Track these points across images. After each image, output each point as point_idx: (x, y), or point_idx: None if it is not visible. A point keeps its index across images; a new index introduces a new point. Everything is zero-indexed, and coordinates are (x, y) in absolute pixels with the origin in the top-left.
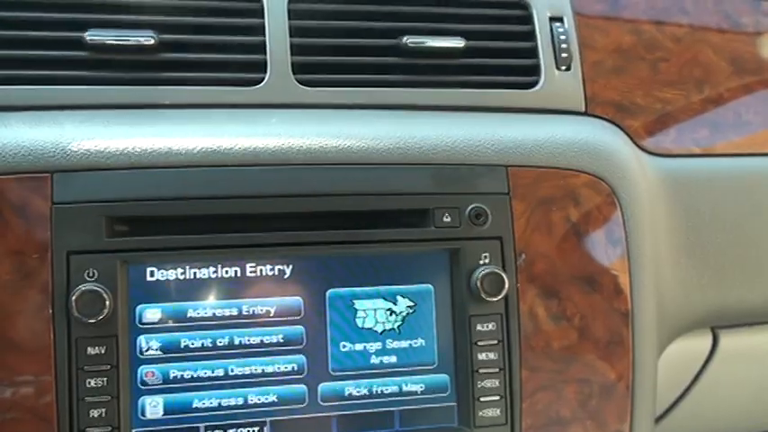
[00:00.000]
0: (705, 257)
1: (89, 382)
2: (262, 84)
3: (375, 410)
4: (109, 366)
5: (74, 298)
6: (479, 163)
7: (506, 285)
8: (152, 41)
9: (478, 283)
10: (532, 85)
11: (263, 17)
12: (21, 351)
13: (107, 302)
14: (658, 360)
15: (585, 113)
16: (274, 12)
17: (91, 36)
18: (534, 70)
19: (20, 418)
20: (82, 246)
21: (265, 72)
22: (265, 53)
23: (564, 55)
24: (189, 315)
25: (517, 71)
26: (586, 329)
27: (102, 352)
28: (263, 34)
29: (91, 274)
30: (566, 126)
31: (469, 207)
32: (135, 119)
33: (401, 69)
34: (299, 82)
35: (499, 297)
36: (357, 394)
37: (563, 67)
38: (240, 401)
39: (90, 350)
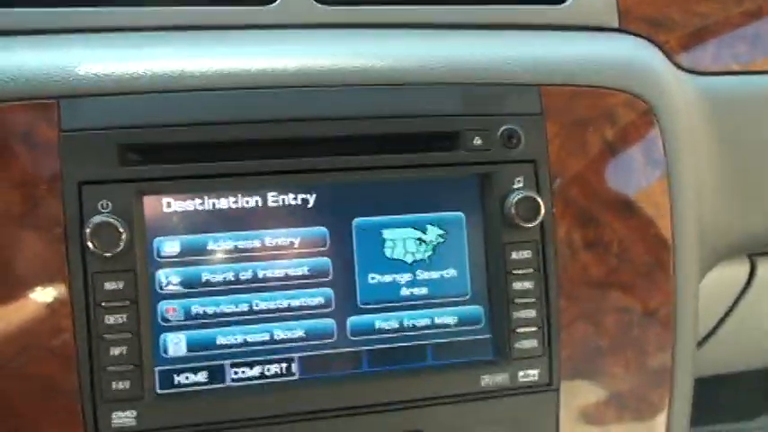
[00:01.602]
0: (746, 181)
1: (108, 319)
2: (275, 3)
3: (406, 344)
4: (128, 302)
5: (88, 231)
6: (510, 82)
7: (542, 210)
8: None
9: (513, 209)
10: (562, 0)
11: None
12: (34, 288)
13: (123, 235)
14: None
15: (619, 30)
16: None
17: None
18: None
19: (38, 357)
20: (94, 176)
21: None
22: None
23: None
24: (209, 248)
25: None
26: (626, 256)
27: (120, 287)
28: None
29: (105, 206)
30: (599, 43)
31: (501, 129)
32: (145, 41)
33: None
34: (315, 0)
35: (535, 223)
36: (387, 328)
37: None
38: (266, 337)
39: (107, 285)
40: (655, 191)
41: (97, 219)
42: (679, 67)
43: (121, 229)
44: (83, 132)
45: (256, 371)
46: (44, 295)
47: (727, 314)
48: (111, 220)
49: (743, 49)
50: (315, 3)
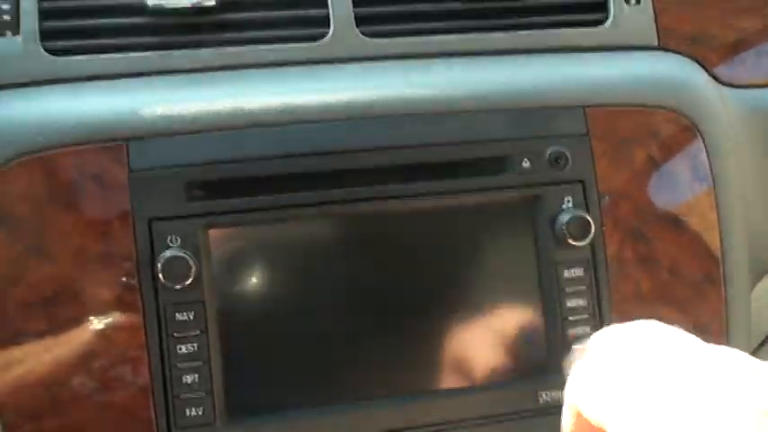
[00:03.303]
0: None
1: (180, 348)
2: (326, 38)
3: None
4: (198, 331)
5: (159, 265)
6: (555, 105)
7: (592, 229)
8: (213, 2)
9: (563, 229)
10: (601, 21)
11: None
12: (109, 321)
13: (192, 268)
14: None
15: (659, 48)
16: None
17: (152, 0)
18: (602, 6)
19: (114, 388)
20: (163, 212)
21: (328, 26)
22: (327, 7)
23: None
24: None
25: (584, 8)
26: (676, 270)
27: (191, 317)
28: None
29: (174, 240)
30: (640, 61)
31: (548, 151)
32: (202, 81)
33: (466, 15)
34: (363, 34)
35: (585, 241)
36: None
37: (632, 2)
38: None
39: (178, 316)
40: (702, 205)
41: (167, 253)
42: (720, 81)
43: (191, 263)
44: (151, 171)
45: None
46: (119, 328)
47: None
48: (181, 253)
49: None
50: (363, 36)
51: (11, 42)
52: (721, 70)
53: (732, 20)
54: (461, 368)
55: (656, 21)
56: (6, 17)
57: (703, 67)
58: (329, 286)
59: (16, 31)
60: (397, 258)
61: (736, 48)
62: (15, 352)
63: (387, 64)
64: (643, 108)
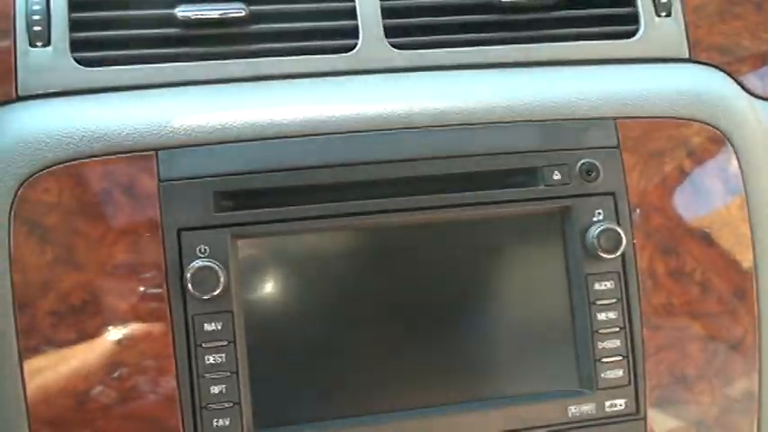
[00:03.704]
0: None
1: (208, 359)
2: (355, 50)
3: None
4: (226, 342)
5: (188, 275)
6: (586, 117)
7: (623, 242)
8: (243, 13)
9: (594, 241)
10: (632, 33)
11: None
12: (139, 331)
13: (221, 278)
14: None
15: (690, 60)
16: None
17: (182, 12)
18: (633, 18)
19: (143, 398)
20: (192, 222)
21: (358, 38)
22: (356, 18)
23: (663, 1)
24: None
25: (615, 20)
26: (708, 284)
27: (219, 328)
28: (353, 0)
29: (203, 250)
30: (672, 74)
31: (579, 163)
32: (232, 92)
33: (495, 26)
34: (392, 45)
35: (616, 254)
36: None
37: (663, 14)
38: None
39: (207, 326)
40: (734, 218)
41: (197, 263)
42: (752, 93)
43: (219, 273)
44: (180, 182)
45: None
46: (147, 337)
47: None
48: (210, 263)
49: None
50: (392, 48)
51: (42, 53)
52: (753, 82)
53: (763, 32)
54: (490, 380)
55: (686, 33)
56: (37, 28)
57: (734, 79)
58: (358, 298)
59: (47, 42)
60: (427, 270)
61: (767, 60)
62: (44, 360)
63: (416, 75)
64: (674, 120)
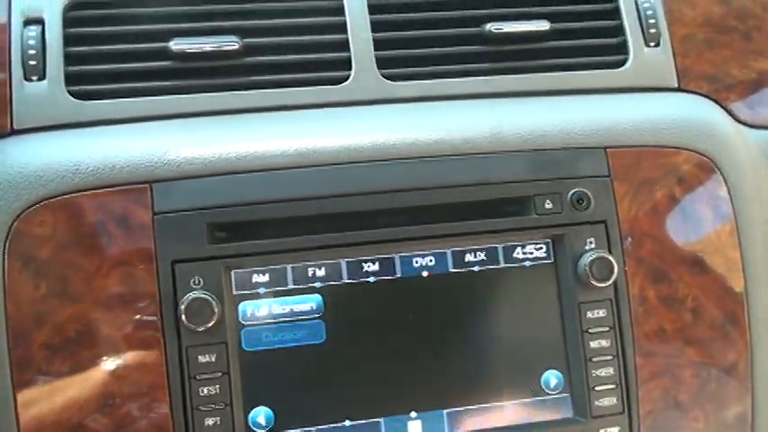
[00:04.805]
0: None
1: (202, 391)
2: (347, 81)
3: (487, 405)
4: (220, 373)
5: (183, 306)
6: (577, 146)
7: (615, 270)
8: (236, 46)
9: (586, 269)
10: (622, 63)
11: (343, 15)
12: (132, 363)
13: (215, 309)
14: None
15: (679, 89)
16: (354, 8)
17: (176, 45)
18: (622, 48)
19: (136, 428)
20: (186, 254)
21: (350, 69)
22: (349, 50)
23: (652, 31)
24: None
25: (605, 51)
26: (700, 311)
27: (213, 359)
28: (345, 32)
29: (197, 282)
30: (661, 103)
31: (571, 192)
32: (226, 124)
33: (487, 57)
34: (384, 77)
35: (609, 282)
36: None
37: (652, 44)
38: None
39: (201, 358)
40: (725, 244)
41: (191, 295)
42: (739, 121)
43: (214, 304)
44: (174, 214)
45: None
46: (141, 369)
47: None
48: (204, 295)
49: None
50: (384, 79)
51: (37, 86)
52: (741, 110)
53: (751, 61)
54: (485, 410)
55: (675, 62)
56: (33, 62)
57: (723, 107)
58: (353, 327)
59: (42, 76)
60: (419, 296)
61: (755, 88)
62: (37, 392)
63: (408, 106)
64: (664, 149)
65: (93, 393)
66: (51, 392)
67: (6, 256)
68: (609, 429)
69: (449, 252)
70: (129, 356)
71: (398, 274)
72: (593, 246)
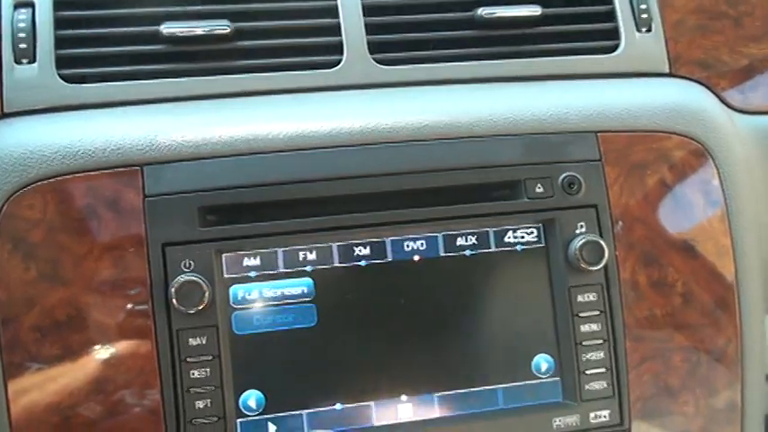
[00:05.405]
0: None
1: (193, 374)
2: (339, 65)
3: (478, 389)
4: (211, 356)
5: (173, 289)
6: (568, 130)
7: (606, 254)
8: (227, 30)
9: (577, 254)
10: (613, 49)
11: None
12: (123, 347)
13: (206, 292)
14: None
15: (670, 75)
16: None
17: (167, 28)
18: (614, 34)
19: (128, 413)
20: (176, 237)
21: (342, 53)
22: (341, 34)
23: (644, 16)
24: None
25: (597, 36)
26: (690, 295)
27: (204, 342)
28: (337, 16)
29: (188, 265)
30: (652, 88)
31: (562, 176)
32: (217, 108)
33: (478, 42)
34: (375, 61)
35: (599, 266)
36: None
37: (643, 29)
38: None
39: (191, 341)
40: (715, 230)
41: (181, 278)
42: (731, 107)
43: (204, 287)
44: (165, 197)
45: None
46: (131, 353)
47: None
48: (195, 278)
49: None
50: (376, 63)
51: (27, 70)
52: (732, 96)
53: (742, 47)
54: (475, 393)
55: (666, 48)
56: (23, 45)
57: (714, 93)
58: (345, 310)
59: (32, 59)
60: (408, 281)
61: (747, 74)
62: (29, 376)
63: (400, 90)
64: (655, 134)
65: (84, 377)
66: (42, 376)
67: None
68: (599, 413)
69: (440, 236)
70: (120, 340)
71: (389, 258)
72: (583, 230)
